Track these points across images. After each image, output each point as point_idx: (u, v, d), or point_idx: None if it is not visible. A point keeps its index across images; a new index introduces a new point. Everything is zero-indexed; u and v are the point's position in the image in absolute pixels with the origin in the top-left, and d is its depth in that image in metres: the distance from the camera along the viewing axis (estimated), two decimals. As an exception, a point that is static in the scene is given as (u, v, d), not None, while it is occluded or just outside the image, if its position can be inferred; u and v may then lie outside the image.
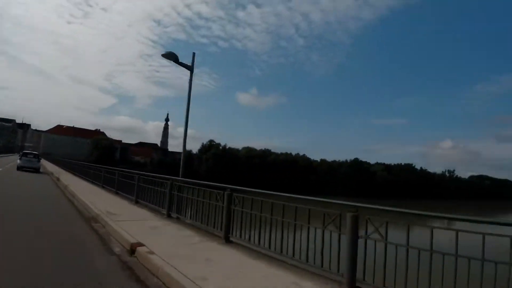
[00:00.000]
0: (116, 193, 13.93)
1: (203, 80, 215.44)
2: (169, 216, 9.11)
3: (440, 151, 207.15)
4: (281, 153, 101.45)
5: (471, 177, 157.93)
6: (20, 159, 28.17)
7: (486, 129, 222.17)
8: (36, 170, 27.44)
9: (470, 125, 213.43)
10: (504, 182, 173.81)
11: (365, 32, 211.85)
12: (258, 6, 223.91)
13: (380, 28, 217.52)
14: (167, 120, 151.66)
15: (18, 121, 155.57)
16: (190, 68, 11.43)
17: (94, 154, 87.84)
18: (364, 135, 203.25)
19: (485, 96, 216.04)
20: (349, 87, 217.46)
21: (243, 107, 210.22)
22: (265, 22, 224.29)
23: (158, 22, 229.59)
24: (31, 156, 28.78)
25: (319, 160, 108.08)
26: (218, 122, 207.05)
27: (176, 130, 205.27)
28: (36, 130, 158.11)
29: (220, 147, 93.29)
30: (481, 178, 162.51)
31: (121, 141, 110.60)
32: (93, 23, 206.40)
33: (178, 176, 10.36)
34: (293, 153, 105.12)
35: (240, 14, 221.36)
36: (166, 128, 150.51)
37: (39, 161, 29.45)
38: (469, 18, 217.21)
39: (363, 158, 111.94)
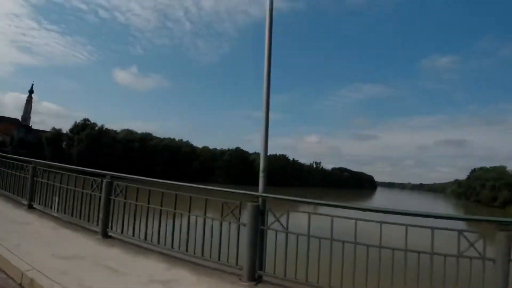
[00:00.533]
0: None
1: (76, 51, 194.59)
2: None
3: (306, 145, 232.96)
4: (164, 138, 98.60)
5: (333, 169, 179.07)
6: None
7: (346, 128, 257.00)
8: None
9: (333, 124, 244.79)
10: (360, 174, 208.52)
11: (251, 28, 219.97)
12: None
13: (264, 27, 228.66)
14: (31, 91, 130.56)
15: None
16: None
17: None
18: (242, 125, 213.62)
19: (347, 100, 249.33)
20: (230, 78, 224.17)
21: (121, 87, 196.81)
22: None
23: None
24: None
25: (200, 147, 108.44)
26: (91, 100, 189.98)
27: (41, 105, 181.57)
28: None
29: (96, 128, 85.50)
30: (341, 170, 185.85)
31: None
32: None
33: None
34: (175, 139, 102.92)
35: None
36: (29, 101, 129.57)
37: None
38: (340, 29, 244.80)
39: (241, 147, 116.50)
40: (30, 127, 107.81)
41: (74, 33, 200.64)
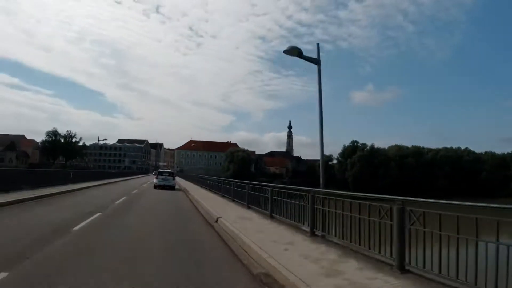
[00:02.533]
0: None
1: (312, 87, 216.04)
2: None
3: None
4: (440, 149, 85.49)
5: None
6: (156, 178, 30.13)
7: None
8: (172, 188, 28.74)
9: None
10: None
11: (484, 3, 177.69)
12: (359, 1, 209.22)
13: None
14: (290, 127, 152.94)
15: (151, 141, 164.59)
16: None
17: (231, 167, 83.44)
18: (500, 122, 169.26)
19: None
20: (472, 69, 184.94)
21: (359, 107, 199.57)
22: (369, 16, 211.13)
23: (263, 39, 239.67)
24: (166, 175, 30.44)
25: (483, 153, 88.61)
26: (333, 126, 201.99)
27: (292, 139, 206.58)
28: (168, 149, 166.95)
29: (366, 148, 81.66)
30: None
31: (254, 152, 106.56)
32: (205, 51, 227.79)
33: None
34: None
35: (342, 13, 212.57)
36: (289, 136, 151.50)
37: (174, 178, 30.84)
38: None
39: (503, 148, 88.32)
40: (299, 158, 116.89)
41: (308, 72, 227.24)
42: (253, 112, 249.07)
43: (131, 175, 69.11)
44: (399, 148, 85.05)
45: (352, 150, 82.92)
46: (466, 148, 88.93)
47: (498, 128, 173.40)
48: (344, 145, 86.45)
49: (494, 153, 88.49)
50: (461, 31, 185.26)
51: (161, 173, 30.69)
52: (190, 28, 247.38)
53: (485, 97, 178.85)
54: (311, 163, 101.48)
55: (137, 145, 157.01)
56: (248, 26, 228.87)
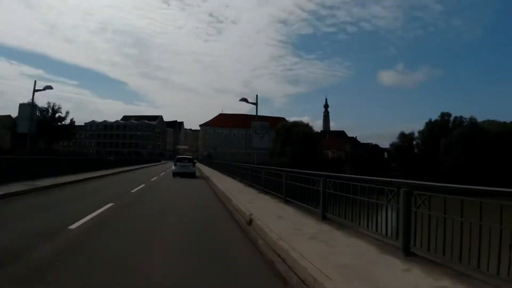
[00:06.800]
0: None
1: (335, 70, 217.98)
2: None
3: None
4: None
5: None
6: (175, 165, 28.20)
7: None
8: (192, 175, 27.16)
9: None
10: None
11: None
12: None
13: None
14: (326, 107, 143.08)
15: (167, 120, 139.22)
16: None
17: (288, 150, 61.80)
18: None
19: None
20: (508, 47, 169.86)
21: (386, 89, 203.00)
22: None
23: (284, 22, 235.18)
24: (186, 161, 28.47)
25: None
26: (357, 110, 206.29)
27: (329, 120, 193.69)
28: (190, 129, 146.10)
29: (463, 123, 62.09)
30: None
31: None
32: (225, 37, 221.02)
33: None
34: None
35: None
36: (326, 116, 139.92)
37: (194, 165, 28.87)
38: None
39: None
40: (356, 139, 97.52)
41: (331, 55, 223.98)
42: (275, 98, 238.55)
43: (136, 164, 49.57)
44: (498, 124, 64.33)
45: (443, 126, 63.03)
46: None
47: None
48: (430, 120, 66.01)
49: None
50: (492, 11, 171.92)
51: (179, 160, 28.83)
52: (211, 14, 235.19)
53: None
54: (371, 147, 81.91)
55: (148, 122, 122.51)
56: (268, 10, 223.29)
